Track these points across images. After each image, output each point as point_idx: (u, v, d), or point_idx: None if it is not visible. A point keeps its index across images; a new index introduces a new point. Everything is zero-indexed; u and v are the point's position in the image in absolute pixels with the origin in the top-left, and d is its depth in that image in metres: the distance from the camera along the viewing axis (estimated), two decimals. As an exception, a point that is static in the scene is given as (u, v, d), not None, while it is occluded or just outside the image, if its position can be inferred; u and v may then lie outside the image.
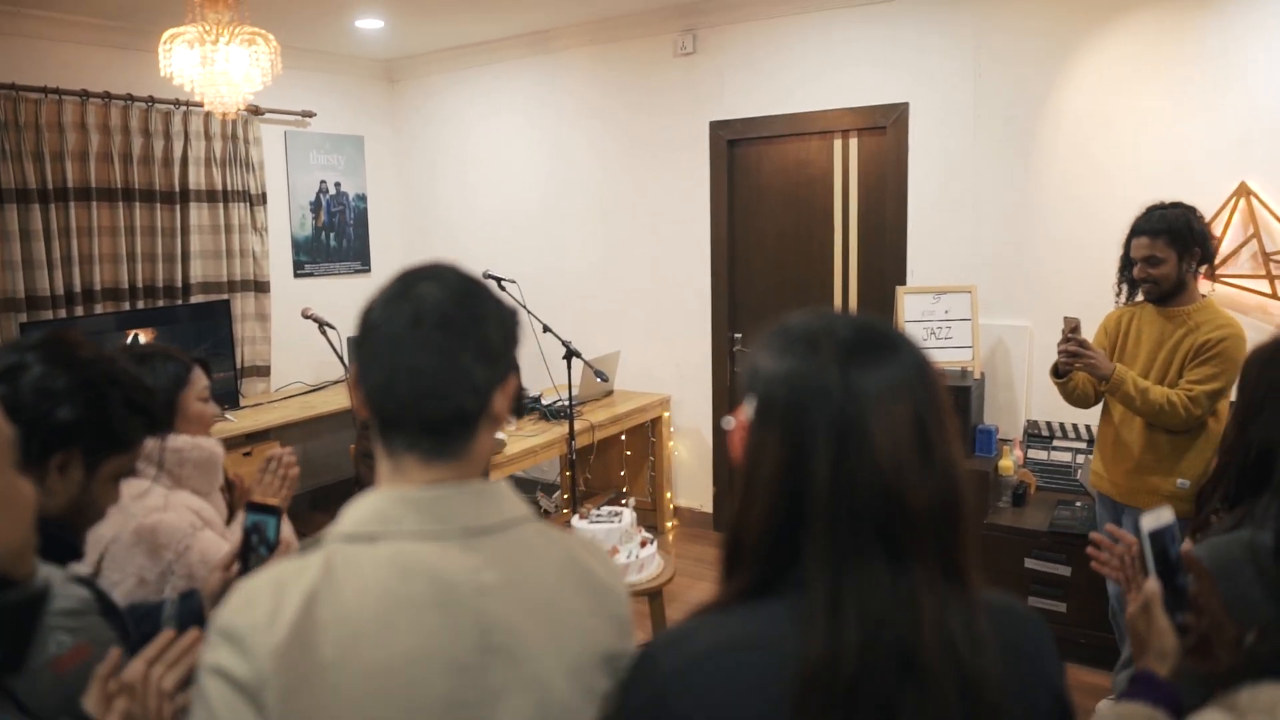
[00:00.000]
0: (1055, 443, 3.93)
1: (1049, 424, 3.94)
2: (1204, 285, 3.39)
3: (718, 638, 0.83)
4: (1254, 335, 2.89)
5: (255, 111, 4.93)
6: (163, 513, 1.66)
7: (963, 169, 4.00)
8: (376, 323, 0.97)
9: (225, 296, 4.82)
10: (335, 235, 5.52)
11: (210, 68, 3.32)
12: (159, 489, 1.71)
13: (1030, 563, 3.53)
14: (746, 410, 0.85)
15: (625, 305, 5.08)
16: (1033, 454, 3.95)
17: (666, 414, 4.92)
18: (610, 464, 5.11)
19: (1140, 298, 2.93)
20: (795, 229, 4.50)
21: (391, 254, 5.79)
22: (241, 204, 4.93)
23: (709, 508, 4.97)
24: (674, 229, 4.82)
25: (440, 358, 0.94)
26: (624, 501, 2.73)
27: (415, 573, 0.92)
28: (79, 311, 4.32)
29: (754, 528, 0.83)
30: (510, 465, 4.03)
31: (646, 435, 4.92)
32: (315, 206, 5.39)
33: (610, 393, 4.92)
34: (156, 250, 4.63)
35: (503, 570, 0.96)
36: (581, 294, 5.21)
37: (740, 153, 4.61)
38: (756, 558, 0.84)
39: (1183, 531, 1.16)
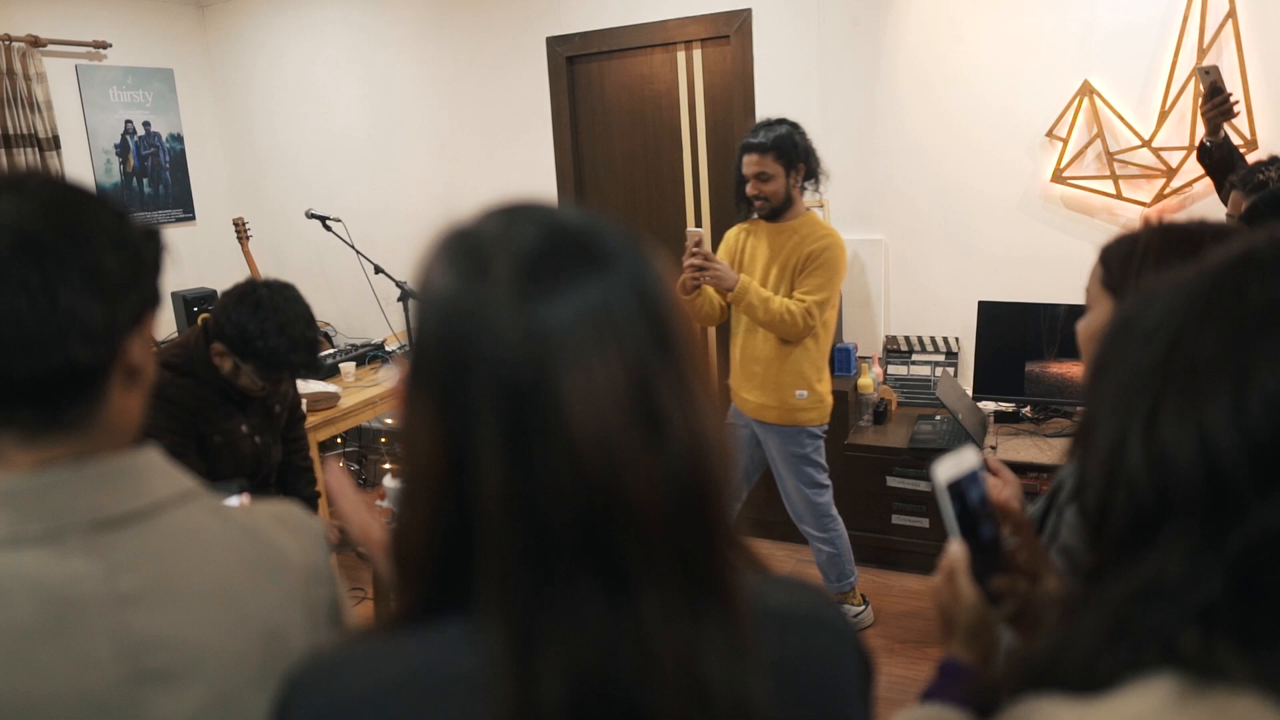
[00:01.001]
0: (915, 357, 3.85)
1: (907, 339, 3.85)
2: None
3: (378, 677, 0.58)
4: (1100, 236, 2.81)
5: (34, 42, 4.35)
6: None
7: (810, 78, 3.81)
8: None
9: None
10: (150, 181, 4.99)
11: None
12: None
13: (892, 480, 3.46)
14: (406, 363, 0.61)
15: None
16: (892, 370, 3.87)
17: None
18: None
19: (756, 215, 2.99)
20: (644, 150, 4.26)
21: (217, 197, 5.29)
22: (29, 148, 4.37)
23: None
24: (515, 155, 4.51)
25: (26, 296, 0.70)
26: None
27: (13, 594, 0.68)
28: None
29: (413, 539, 0.59)
30: (349, 419, 3.73)
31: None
32: (122, 150, 4.85)
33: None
34: (-73, 205, 4.06)
35: (150, 570, 0.73)
36: (420, 230, 4.83)
37: (580, 70, 4.31)
38: (422, 577, 0.60)
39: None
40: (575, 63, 4.29)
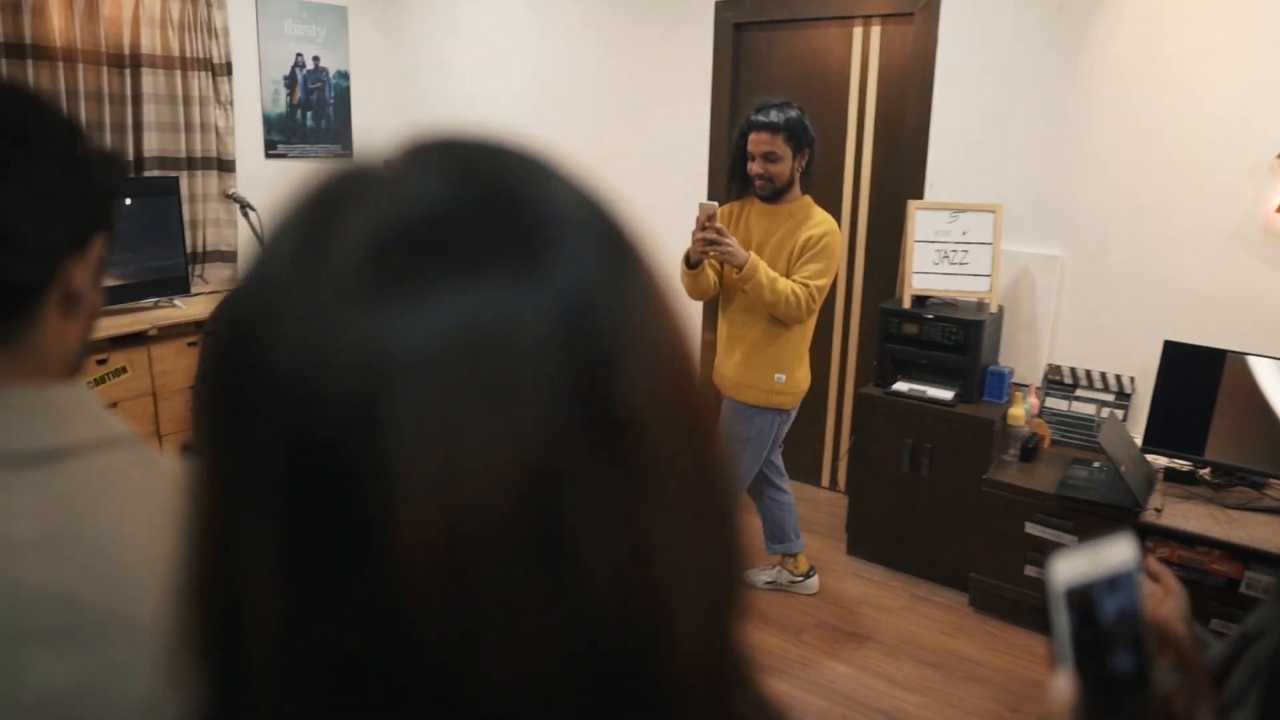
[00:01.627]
0: (1079, 392, 3.42)
1: (1074, 371, 3.43)
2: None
3: None
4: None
5: (217, -32, 4.44)
6: None
7: (1000, 69, 3.41)
8: None
9: (179, 173, 4.42)
10: (313, 114, 5.06)
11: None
12: None
13: (1032, 527, 3.08)
14: None
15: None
16: (1051, 403, 3.45)
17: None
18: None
19: (751, 195, 2.98)
20: (805, 131, 3.95)
21: (375, 138, 5.30)
22: (203, 73, 4.48)
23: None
24: (669, 126, 4.29)
25: None
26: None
27: None
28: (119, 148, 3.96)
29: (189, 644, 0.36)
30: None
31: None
32: (290, 82, 4.92)
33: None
34: (104, 118, 4.22)
35: (53, 517, 0.64)
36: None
37: (748, 38, 4.03)
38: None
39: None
40: (743, 30, 4.02)
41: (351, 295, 0.31)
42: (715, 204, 2.79)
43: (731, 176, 2.99)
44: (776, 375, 2.96)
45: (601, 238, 0.36)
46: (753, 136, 2.84)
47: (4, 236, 0.65)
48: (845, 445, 4.06)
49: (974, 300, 3.42)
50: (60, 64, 4.03)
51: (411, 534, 0.30)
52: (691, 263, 2.89)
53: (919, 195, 3.61)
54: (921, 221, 3.42)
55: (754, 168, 2.86)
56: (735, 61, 4.05)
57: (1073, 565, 0.59)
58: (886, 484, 3.44)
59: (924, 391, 3.34)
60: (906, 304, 3.43)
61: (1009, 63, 3.38)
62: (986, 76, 3.43)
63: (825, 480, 4.23)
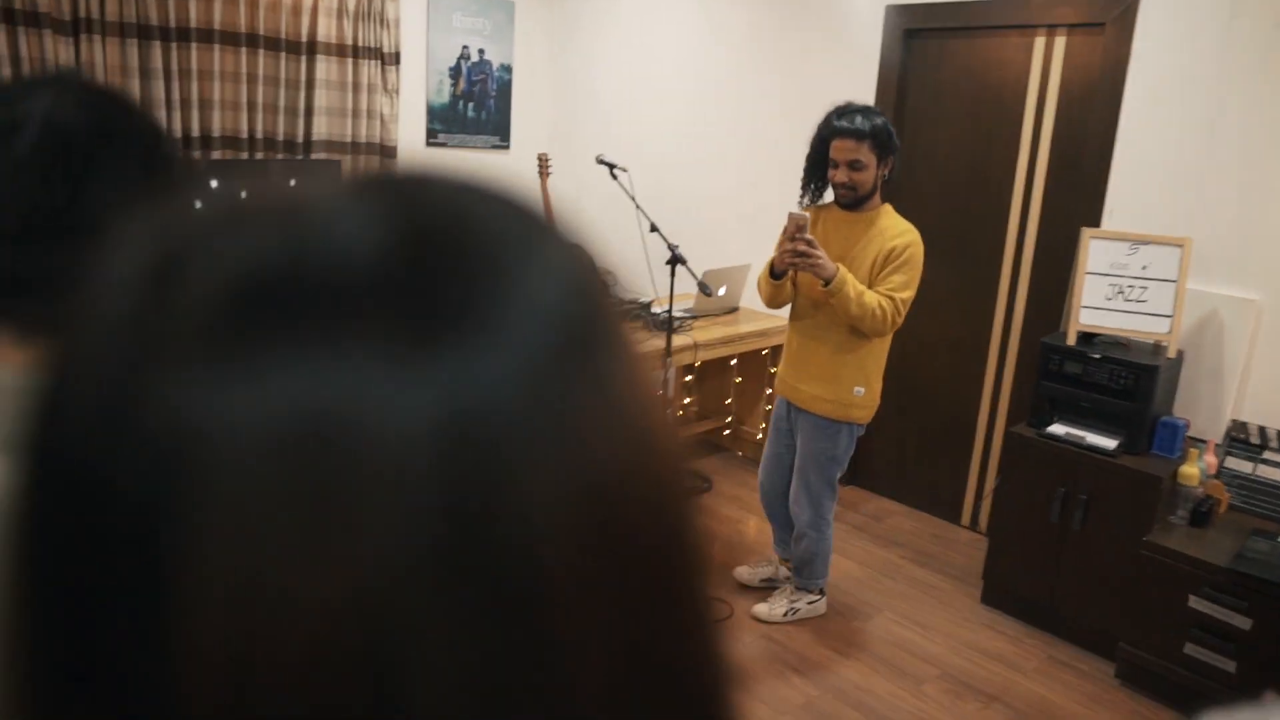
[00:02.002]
0: (1266, 454, 3.04)
1: (1263, 430, 3.05)
2: None
3: None
4: None
5: (394, -39, 4.57)
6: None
7: (1201, 86, 3.07)
8: None
9: (343, 157, 4.58)
10: (474, 106, 5.15)
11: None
12: None
13: (1198, 602, 2.75)
14: None
15: (761, 214, 4.44)
16: (1231, 464, 3.09)
17: (792, 346, 4.33)
18: (721, 389, 4.59)
19: (824, 200, 2.93)
20: (972, 145, 3.70)
21: (534, 131, 5.37)
22: (373, 61, 4.63)
23: (828, 457, 4.36)
24: (828, 132, 4.11)
25: (55, 187, 0.71)
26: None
27: None
28: (195, 156, 4.20)
29: None
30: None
31: (765, 364, 4.33)
32: (455, 73, 5.03)
33: (734, 309, 4.37)
34: (279, 102, 4.42)
35: None
36: (717, 197, 4.62)
37: (919, 46, 3.80)
38: None
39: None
40: (914, 37, 3.79)
41: (178, 357, 0.23)
42: (806, 214, 2.70)
43: (807, 182, 2.90)
44: (856, 388, 2.88)
45: (560, 326, 0.26)
46: (836, 143, 2.76)
47: (84, 225, 0.69)
48: (990, 485, 3.78)
49: (1149, 342, 3.09)
50: (243, 49, 4.24)
51: (193, 656, 0.22)
52: (776, 273, 2.83)
53: (1095, 223, 3.30)
54: (1096, 252, 3.12)
55: (838, 176, 2.78)
56: (903, 70, 3.83)
57: None
58: (1032, 533, 3.17)
59: (1083, 437, 3.05)
60: (1071, 340, 3.14)
61: (1214, 80, 3.04)
62: (1185, 94, 3.10)
63: (965, 519, 3.96)
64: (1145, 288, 3.05)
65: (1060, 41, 3.40)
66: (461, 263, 0.25)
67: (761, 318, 4.26)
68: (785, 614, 3.16)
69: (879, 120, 2.75)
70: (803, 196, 2.94)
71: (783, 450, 3.13)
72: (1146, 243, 3.06)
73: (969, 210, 3.74)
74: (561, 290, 0.26)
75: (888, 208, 2.86)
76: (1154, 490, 2.90)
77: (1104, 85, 3.27)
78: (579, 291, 0.27)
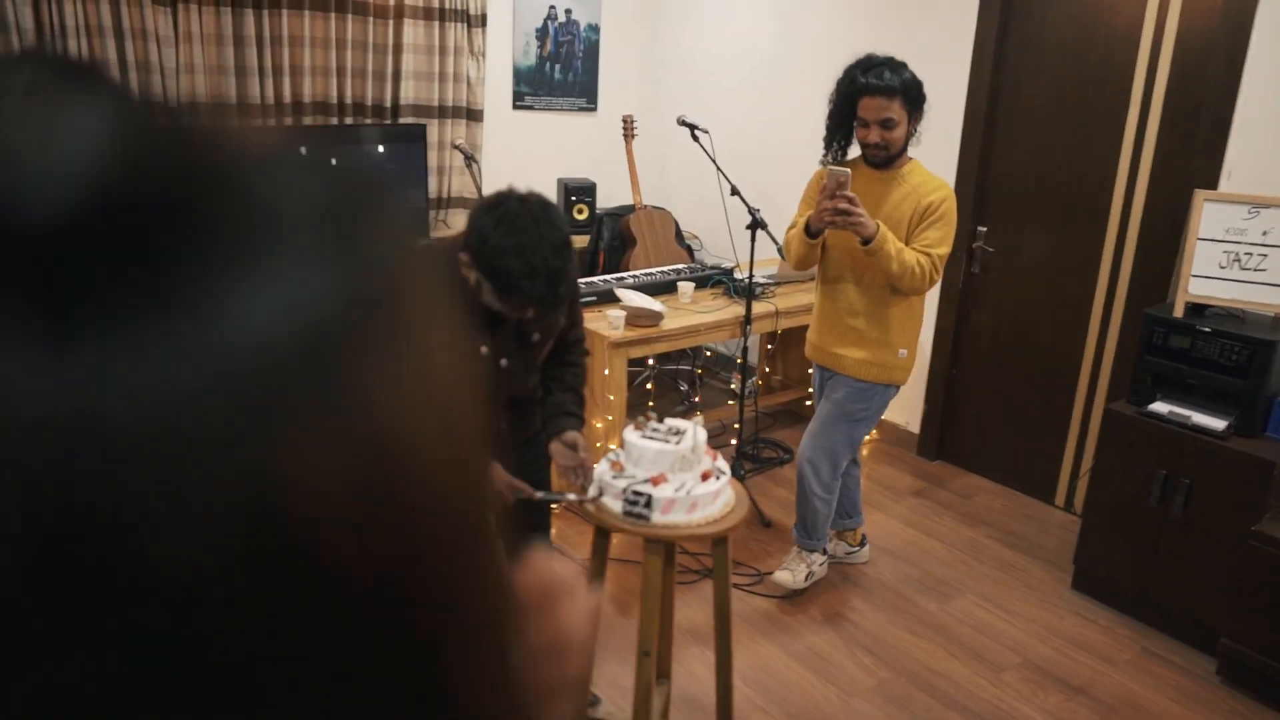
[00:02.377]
0: (1399, 439, 2.77)
1: (1395, 412, 2.77)
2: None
3: None
4: None
5: (478, -79, 4.53)
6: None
7: (1341, 32, 2.77)
8: None
9: (430, 121, 4.61)
10: (561, 67, 5.10)
11: None
12: None
13: (1309, 598, 2.54)
14: None
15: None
16: (1358, 449, 2.82)
17: (880, 313, 4.18)
18: (803, 358, 4.47)
19: (850, 156, 2.82)
20: (1077, 100, 3.45)
21: (622, 93, 5.28)
22: (459, 24, 4.62)
23: (915, 427, 4.21)
24: (921, 89, 3.90)
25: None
26: (695, 415, 2.18)
27: None
28: (287, 122, 4.29)
29: None
30: (665, 341, 3.56)
31: (851, 335, 4.19)
32: (541, 34, 4.98)
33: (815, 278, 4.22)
34: (368, 66, 4.46)
35: None
36: (801, 160, 4.46)
37: (1021, -5, 3.56)
38: None
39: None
40: (1016, -16, 3.55)
41: (32, 326, 0.20)
42: (847, 170, 2.56)
43: (830, 139, 2.79)
44: (901, 350, 2.83)
45: (277, 341, 0.21)
46: (865, 101, 2.63)
47: None
48: (1086, 465, 3.57)
49: (1268, 315, 2.84)
50: (332, 15, 4.29)
51: None
52: (812, 231, 2.71)
53: (1212, 185, 3.04)
54: (1210, 215, 2.87)
55: (870, 136, 2.67)
56: (1003, 20, 3.60)
57: None
58: (1129, 517, 2.98)
59: (1188, 417, 2.83)
60: (1179, 312, 2.92)
61: (1354, 26, 2.74)
62: (1320, 43, 2.80)
63: (1060, 499, 3.76)
64: (1265, 255, 2.80)
65: (1179, -14, 3.12)
66: (181, 236, 0.20)
67: (848, 284, 4.11)
68: (806, 578, 3.09)
69: (908, 74, 2.64)
70: (826, 154, 2.83)
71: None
72: (1268, 206, 2.79)
73: (1071, 170, 3.50)
74: (312, 288, 0.22)
75: (917, 163, 2.77)
76: (1266, 476, 2.68)
77: (1225, 35, 2.99)
78: (334, 296, 0.22)
